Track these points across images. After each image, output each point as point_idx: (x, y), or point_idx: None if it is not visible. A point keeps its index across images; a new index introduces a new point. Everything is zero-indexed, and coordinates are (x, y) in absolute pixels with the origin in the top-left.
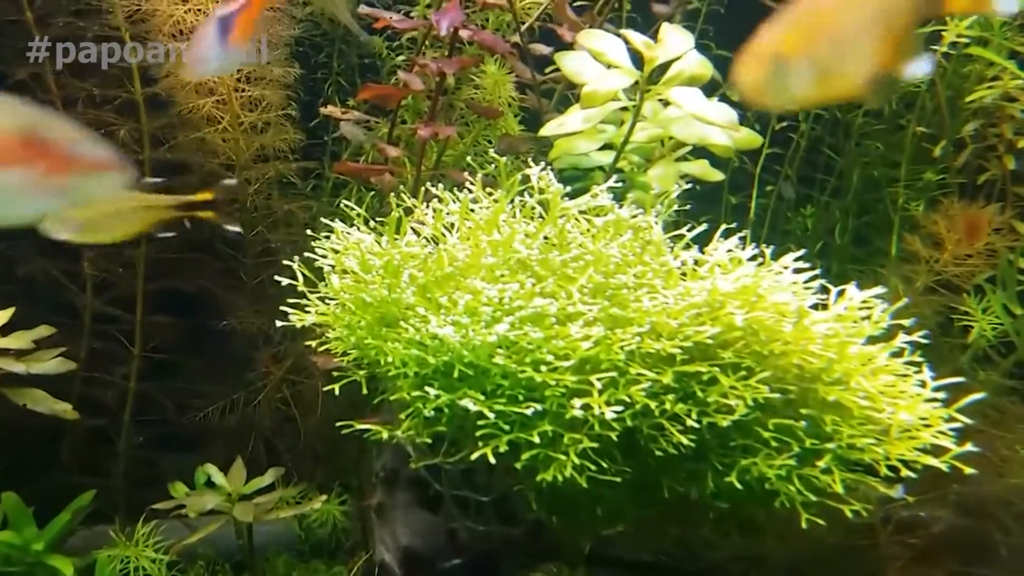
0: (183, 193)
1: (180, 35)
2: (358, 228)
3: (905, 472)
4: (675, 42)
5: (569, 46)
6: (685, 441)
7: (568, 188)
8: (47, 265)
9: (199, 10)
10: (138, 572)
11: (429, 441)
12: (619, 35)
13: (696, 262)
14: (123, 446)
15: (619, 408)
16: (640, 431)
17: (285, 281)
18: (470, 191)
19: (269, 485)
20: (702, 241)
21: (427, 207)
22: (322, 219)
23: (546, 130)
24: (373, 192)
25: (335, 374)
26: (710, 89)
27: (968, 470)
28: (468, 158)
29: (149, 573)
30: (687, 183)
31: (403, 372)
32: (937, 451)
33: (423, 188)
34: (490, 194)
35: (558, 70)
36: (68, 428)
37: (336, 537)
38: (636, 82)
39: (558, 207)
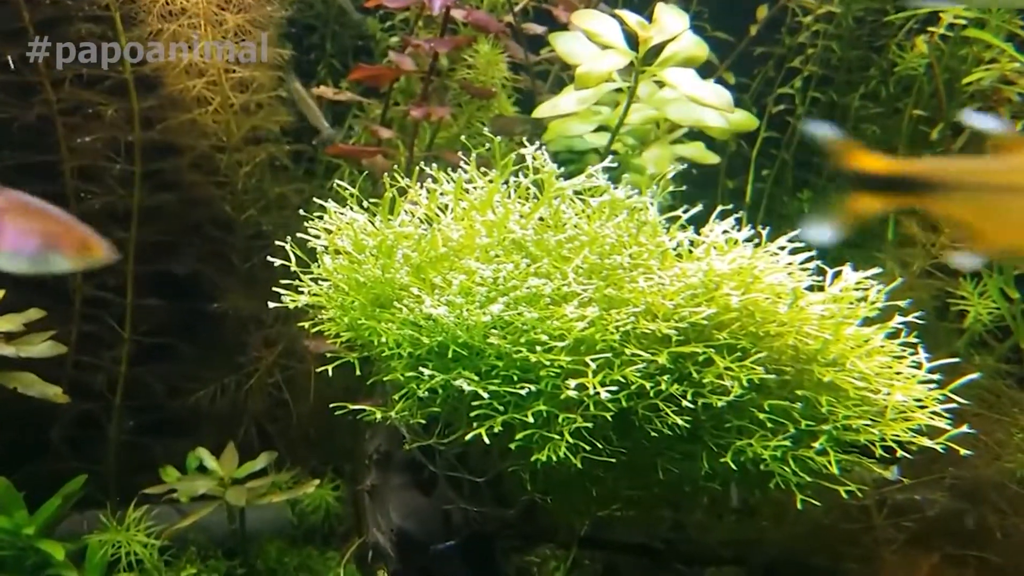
0: None
1: (170, 16)
2: (351, 208)
3: (900, 453)
4: (670, 22)
5: (564, 26)
6: (680, 422)
7: (563, 169)
8: None
9: None
10: (129, 557)
11: (423, 422)
12: (614, 15)
13: (692, 243)
14: (114, 430)
15: (614, 389)
16: (635, 412)
17: (277, 263)
18: (464, 171)
19: (261, 470)
20: (698, 223)
21: (421, 187)
22: (315, 201)
23: (540, 112)
24: (366, 173)
25: (328, 356)
26: (707, 72)
27: (964, 452)
28: (462, 139)
29: (140, 558)
30: (684, 166)
31: (397, 353)
32: (932, 433)
33: (416, 169)
34: (484, 174)
35: (552, 50)
36: (59, 412)
37: (329, 522)
38: (631, 63)
39: (553, 187)
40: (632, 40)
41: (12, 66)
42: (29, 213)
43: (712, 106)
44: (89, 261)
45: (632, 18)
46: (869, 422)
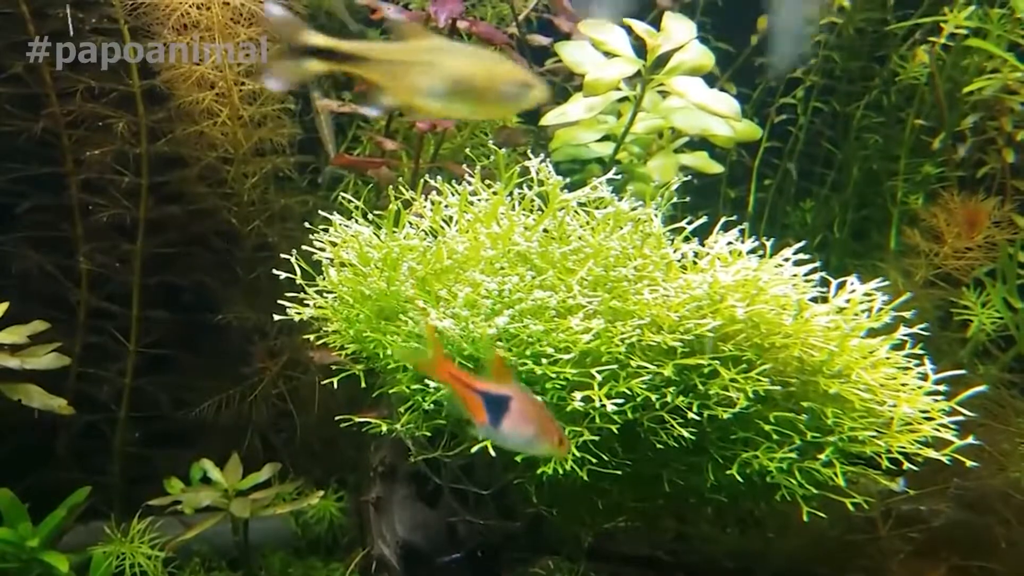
0: None
1: (184, 29)
2: (356, 221)
3: (907, 465)
4: (678, 31)
5: (567, 36)
6: (686, 434)
7: (567, 180)
8: (42, 260)
9: (202, 4)
10: (134, 568)
11: (428, 435)
12: (621, 24)
13: (696, 255)
14: (118, 442)
15: (620, 401)
16: (641, 424)
17: (282, 275)
18: (469, 183)
19: (265, 481)
20: (701, 234)
21: (426, 199)
22: (319, 213)
23: (547, 119)
24: (370, 186)
25: (333, 367)
26: (709, 82)
27: (969, 463)
28: (466, 150)
29: (145, 570)
30: (685, 176)
31: (403, 365)
32: (938, 445)
33: (421, 181)
34: (489, 186)
35: (557, 61)
36: (63, 424)
37: (333, 533)
38: (638, 72)
39: (557, 199)
40: (637, 49)
41: (18, 79)
42: (529, 404)
43: (721, 114)
44: (559, 452)
45: (640, 26)
46: (875, 434)
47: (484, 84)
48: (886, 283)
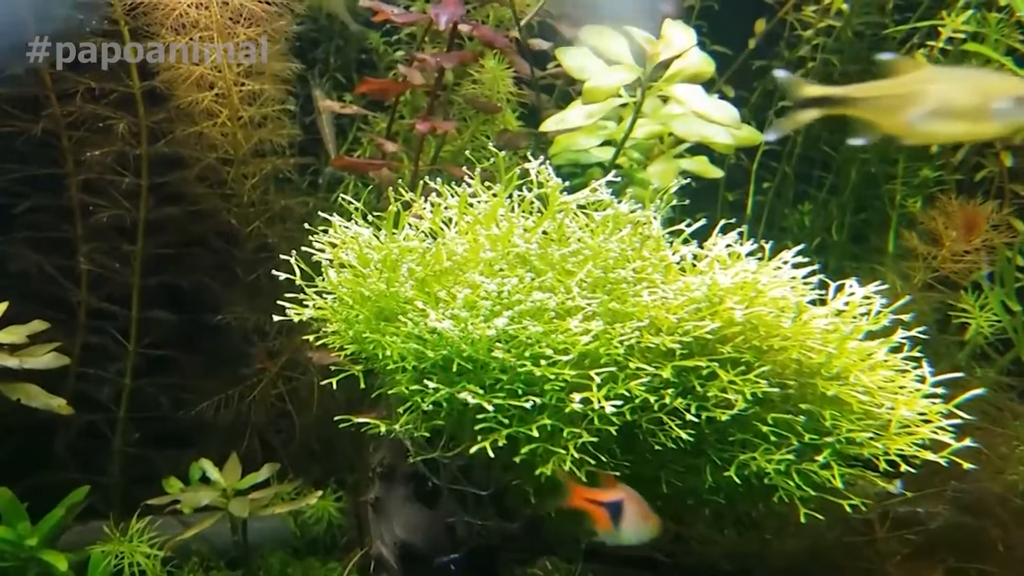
0: None
1: (183, 29)
2: (356, 222)
3: (904, 467)
4: (678, 38)
5: (568, 42)
6: (684, 436)
7: (567, 184)
8: (42, 261)
9: (200, 4)
10: (132, 568)
11: (427, 435)
12: (622, 31)
13: (695, 257)
14: (118, 442)
15: (618, 403)
16: (639, 426)
17: (282, 276)
18: (468, 185)
19: (264, 481)
20: (700, 237)
21: (425, 201)
22: (319, 214)
23: (547, 126)
24: (370, 187)
25: (332, 368)
26: (707, 85)
27: (967, 465)
28: (466, 153)
29: (143, 569)
30: (684, 180)
31: (401, 366)
32: (935, 447)
33: (421, 182)
34: (489, 188)
35: (558, 66)
36: (62, 424)
37: (332, 534)
38: (637, 79)
39: (557, 201)
40: (638, 56)
41: (18, 79)
42: (635, 501)
43: (719, 123)
44: (656, 531)
45: (640, 34)
46: (873, 436)
47: (975, 104)
48: (885, 286)
